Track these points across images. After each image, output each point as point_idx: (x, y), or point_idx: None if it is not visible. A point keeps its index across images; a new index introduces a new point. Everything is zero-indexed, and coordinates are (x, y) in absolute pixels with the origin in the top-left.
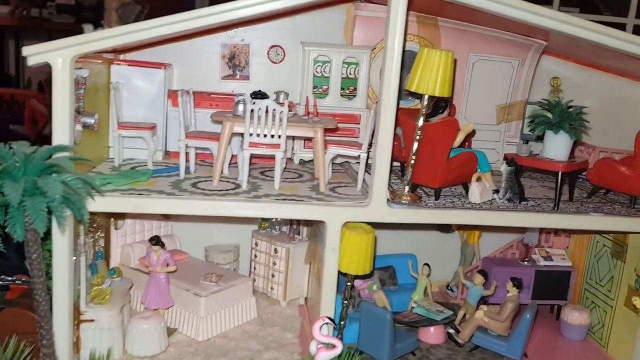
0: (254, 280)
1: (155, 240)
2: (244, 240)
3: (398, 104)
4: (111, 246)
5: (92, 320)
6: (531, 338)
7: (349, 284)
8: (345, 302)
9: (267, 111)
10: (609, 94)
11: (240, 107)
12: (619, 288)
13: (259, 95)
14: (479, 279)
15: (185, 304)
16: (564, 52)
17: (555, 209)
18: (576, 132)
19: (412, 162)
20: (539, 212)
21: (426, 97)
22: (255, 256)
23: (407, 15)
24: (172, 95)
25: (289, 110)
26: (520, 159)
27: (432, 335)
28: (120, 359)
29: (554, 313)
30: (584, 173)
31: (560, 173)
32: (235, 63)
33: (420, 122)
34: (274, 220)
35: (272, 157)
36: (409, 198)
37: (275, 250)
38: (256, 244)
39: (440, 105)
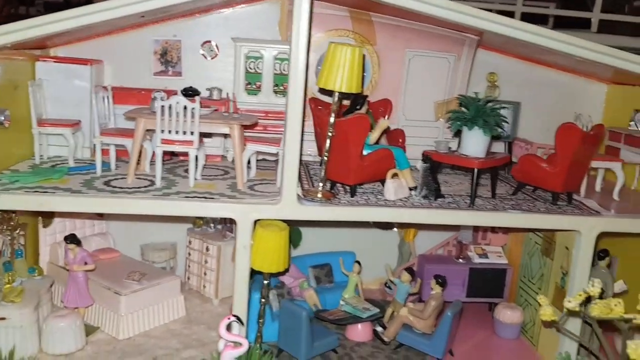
0: (188, 279)
1: (70, 239)
2: (182, 238)
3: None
4: (40, 244)
5: (2, 319)
6: (464, 336)
7: (265, 282)
8: (263, 300)
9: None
10: (552, 90)
11: (156, 104)
12: (548, 286)
13: (189, 91)
14: (406, 276)
15: (106, 302)
16: (503, 47)
17: (471, 205)
18: (491, 128)
19: (325, 159)
20: (453, 209)
21: (336, 94)
22: (189, 254)
23: (312, 10)
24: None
25: (206, 107)
26: (436, 156)
27: (359, 332)
28: (33, 357)
29: (492, 311)
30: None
31: (475, 170)
32: (168, 59)
33: (332, 119)
34: (208, 218)
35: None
36: (322, 195)
37: (207, 249)
38: (190, 242)
39: (358, 101)
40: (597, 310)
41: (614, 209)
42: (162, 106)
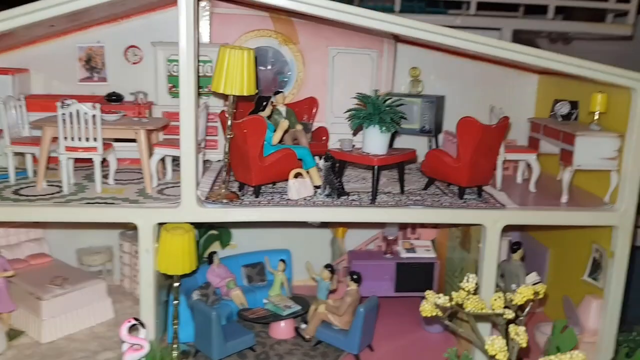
0: (121, 281)
1: None
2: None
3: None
4: None
5: None
6: (390, 331)
7: (176, 284)
8: (175, 302)
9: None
10: (481, 81)
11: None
12: None
13: (113, 96)
14: (326, 273)
15: (30, 307)
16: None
17: (372, 202)
18: (387, 125)
19: (226, 161)
20: (354, 206)
21: (231, 96)
22: (121, 257)
23: (197, 10)
24: (29, 99)
25: (114, 113)
26: (338, 154)
27: (282, 330)
28: None
29: None
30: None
31: (375, 167)
32: (92, 65)
33: (229, 122)
34: None
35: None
36: (225, 197)
37: (137, 251)
38: (121, 245)
39: (261, 102)
40: (471, 305)
41: (528, 201)
42: (64, 114)
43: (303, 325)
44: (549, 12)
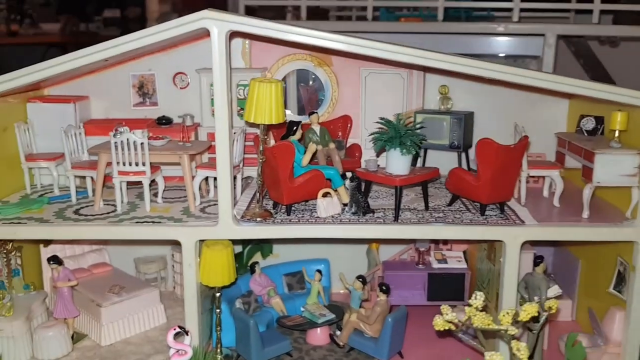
0: (174, 288)
1: (53, 260)
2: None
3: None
4: (42, 263)
5: None
6: (421, 338)
7: (217, 294)
8: (218, 310)
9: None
10: (512, 98)
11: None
12: (493, 291)
13: (163, 120)
14: (358, 284)
15: (91, 312)
16: None
17: (395, 219)
18: (408, 148)
19: (260, 182)
20: (378, 224)
21: (262, 125)
22: (173, 266)
23: (228, 43)
24: (87, 124)
25: (161, 139)
26: (363, 174)
27: (318, 337)
28: None
29: None
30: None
31: (397, 187)
32: (144, 91)
33: (261, 147)
34: None
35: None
36: (259, 215)
37: None
38: (173, 255)
39: (292, 128)
40: (478, 321)
41: (549, 216)
42: (115, 142)
43: (337, 333)
44: (593, 16)
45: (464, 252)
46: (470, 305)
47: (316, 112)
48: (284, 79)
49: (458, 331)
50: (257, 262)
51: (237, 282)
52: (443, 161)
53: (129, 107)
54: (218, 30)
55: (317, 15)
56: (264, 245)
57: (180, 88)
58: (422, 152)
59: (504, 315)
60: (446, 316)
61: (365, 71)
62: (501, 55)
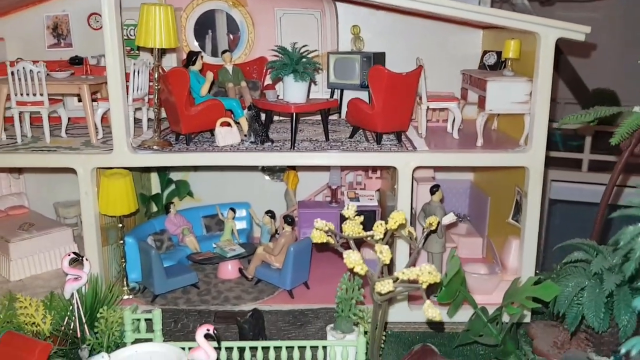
0: None
1: None
2: None
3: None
4: None
5: None
6: (330, 273)
7: (120, 225)
8: (120, 242)
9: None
10: (426, 37)
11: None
12: None
13: (76, 60)
14: (267, 218)
15: (1, 249)
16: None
17: (292, 147)
18: (301, 75)
19: (156, 111)
20: (274, 151)
21: (156, 50)
22: None
23: None
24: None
25: (63, 71)
26: (261, 104)
27: (228, 272)
28: None
29: None
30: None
31: (293, 114)
32: (59, 32)
33: (155, 74)
34: None
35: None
36: (156, 144)
37: None
38: None
39: (191, 57)
40: (348, 229)
41: (445, 145)
42: (12, 72)
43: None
44: None
45: (377, 191)
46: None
47: (228, 51)
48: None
49: (336, 245)
50: (172, 202)
51: (153, 222)
52: None
53: (43, 48)
54: None
55: None
56: (180, 186)
57: (95, 29)
58: (337, 93)
59: (377, 227)
60: (317, 224)
61: (280, 11)
62: None
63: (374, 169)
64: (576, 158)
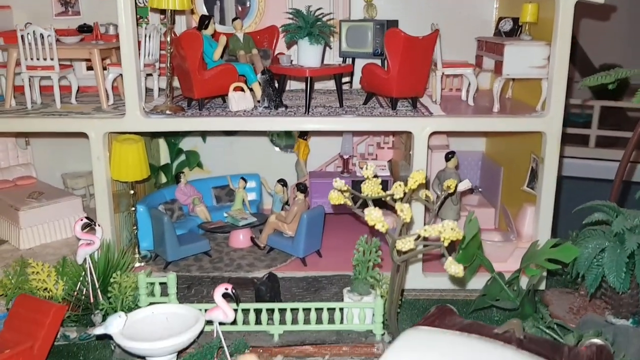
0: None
1: None
2: None
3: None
4: None
5: None
6: (343, 243)
7: (132, 192)
8: (132, 208)
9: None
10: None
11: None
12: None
13: (84, 28)
14: (279, 187)
15: (11, 218)
16: None
17: (306, 112)
18: (316, 38)
19: (170, 74)
20: (288, 116)
21: (168, 11)
22: None
23: None
24: (4, 34)
25: (78, 37)
26: (275, 68)
27: (240, 241)
28: None
29: None
30: None
31: (308, 78)
32: (67, 0)
33: (169, 37)
34: None
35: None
36: (169, 109)
37: None
38: None
39: (203, 21)
40: (367, 189)
41: (460, 111)
42: (22, 35)
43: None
44: None
45: (389, 162)
46: None
47: (239, 18)
48: None
49: (354, 207)
50: (182, 172)
51: (163, 192)
52: None
53: (51, 16)
54: None
55: None
56: (190, 157)
57: None
58: (350, 61)
59: (396, 187)
60: (336, 184)
61: None
62: None
63: (387, 133)
64: (583, 134)
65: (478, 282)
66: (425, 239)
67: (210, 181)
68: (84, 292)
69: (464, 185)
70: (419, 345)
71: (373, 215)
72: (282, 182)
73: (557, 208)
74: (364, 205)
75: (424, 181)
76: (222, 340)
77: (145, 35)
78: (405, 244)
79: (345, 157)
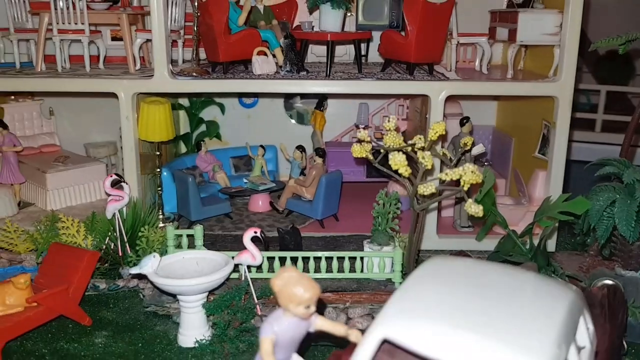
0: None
1: None
2: None
3: None
4: None
5: None
6: (359, 209)
7: (157, 153)
8: (158, 170)
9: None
10: None
11: None
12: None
13: None
14: (297, 153)
15: (37, 181)
16: None
17: (327, 75)
18: (338, 3)
19: (196, 38)
20: (310, 79)
21: None
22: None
23: None
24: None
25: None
26: (297, 33)
27: (259, 206)
28: None
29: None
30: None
31: (329, 42)
32: None
33: (195, 2)
34: None
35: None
36: (195, 72)
37: None
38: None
39: None
40: (389, 140)
41: (475, 78)
42: (55, 0)
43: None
44: None
45: (403, 133)
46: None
47: None
48: None
49: (374, 162)
50: (203, 140)
51: (184, 159)
52: None
53: None
54: None
55: None
56: (210, 127)
57: None
58: None
59: (418, 139)
60: (359, 134)
61: None
62: None
63: (403, 101)
64: (589, 118)
65: (490, 243)
66: (444, 182)
67: (229, 151)
68: (112, 247)
69: (478, 149)
70: (442, 270)
71: (397, 159)
72: (301, 149)
73: (565, 188)
74: (385, 159)
75: (444, 132)
76: (250, 283)
77: (171, 2)
78: (427, 187)
79: (361, 127)
